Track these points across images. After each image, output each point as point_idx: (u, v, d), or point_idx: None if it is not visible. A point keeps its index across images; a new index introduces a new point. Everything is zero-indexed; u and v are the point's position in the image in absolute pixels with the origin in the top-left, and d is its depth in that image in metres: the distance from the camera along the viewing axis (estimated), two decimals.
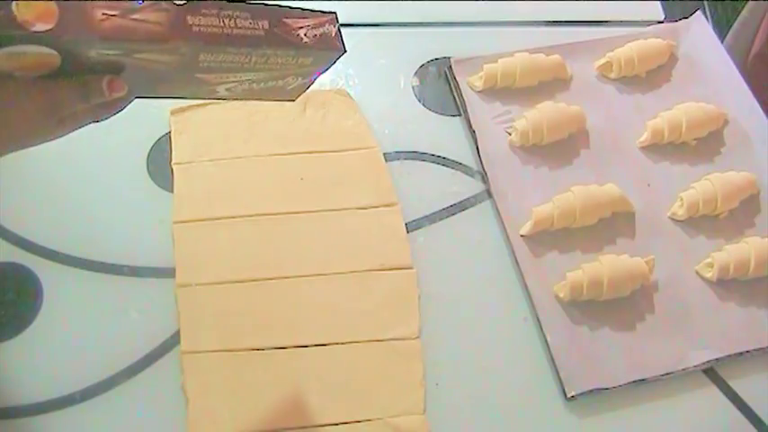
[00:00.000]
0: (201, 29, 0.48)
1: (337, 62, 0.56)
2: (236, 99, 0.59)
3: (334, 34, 0.54)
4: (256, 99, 0.60)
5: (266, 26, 0.50)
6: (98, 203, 0.78)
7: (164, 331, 0.70)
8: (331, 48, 0.54)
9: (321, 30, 0.53)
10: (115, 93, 0.51)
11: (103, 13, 0.44)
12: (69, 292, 0.72)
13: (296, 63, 0.54)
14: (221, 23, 0.48)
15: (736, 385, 0.71)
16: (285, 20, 0.51)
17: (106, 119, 0.54)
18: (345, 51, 0.54)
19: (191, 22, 0.47)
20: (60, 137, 0.53)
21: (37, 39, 0.44)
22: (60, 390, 0.67)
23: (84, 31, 0.44)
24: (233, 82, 0.55)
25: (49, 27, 0.43)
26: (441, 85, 0.89)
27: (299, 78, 0.58)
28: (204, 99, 0.59)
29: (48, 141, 0.53)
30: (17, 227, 0.75)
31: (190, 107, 0.83)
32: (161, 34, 0.46)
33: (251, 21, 0.50)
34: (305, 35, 0.52)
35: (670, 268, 0.77)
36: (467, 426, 0.68)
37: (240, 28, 0.49)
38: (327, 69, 0.57)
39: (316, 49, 0.53)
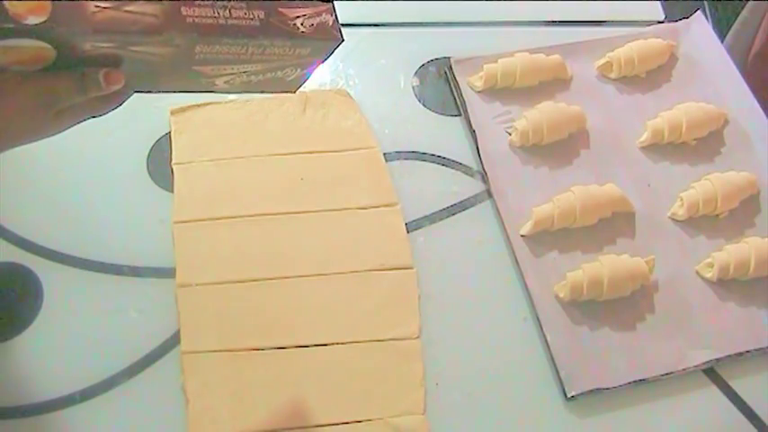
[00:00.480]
0: (196, 20, 0.47)
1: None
2: (236, 92, 0.59)
3: (331, 23, 0.53)
4: (256, 91, 0.60)
5: (262, 16, 0.50)
6: (98, 203, 0.78)
7: (164, 331, 0.70)
8: (329, 37, 0.53)
9: (318, 19, 0.52)
10: (112, 85, 0.50)
11: (96, 6, 0.44)
12: (69, 292, 0.72)
13: (293, 53, 0.54)
14: (216, 14, 0.48)
15: (736, 385, 0.71)
16: (281, 9, 0.51)
17: (104, 114, 0.54)
18: (343, 40, 0.54)
19: (185, 14, 0.47)
20: (58, 132, 0.53)
21: (31, 32, 0.44)
22: (60, 390, 0.67)
23: (78, 23, 0.44)
24: (231, 74, 0.55)
25: (41, 20, 0.43)
26: (441, 85, 0.89)
27: (298, 69, 0.57)
28: (203, 92, 0.58)
29: (46, 137, 0.52)
30: (17, 227, 0.75)
31: (190, 107, 0.83)
32: (155, 26, 0.46)
33: (246, 11, 0.49)
34: (302, 25, 0.52)
35: (670, 268, 0.77)
36: (467, 426, 0.68)
37: (235, 18, 0.49)
38: (326, 59, 0.56)
39: (313, 38, 0.52)
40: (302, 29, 0.52)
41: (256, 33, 0.50)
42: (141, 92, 0.55)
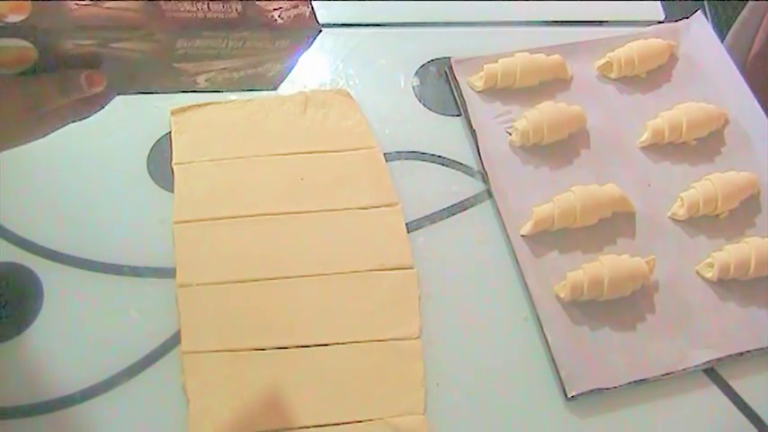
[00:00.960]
0: (176, 14, 0.48)
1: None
2: (217, 90, 0.59)
3: (308, 14, 0.54)
4: (237, 89, 0.60)
5: (239, 9, 0.51)
6: (98, 203, 0.78)
7: (164, 331, 0.70)
8: (306, 27, 0.54)
9: (295, 11, 0.53)
10: (94, 87, 0.50)
11: (77, 3, 0.45)
12: (70, 292, 0.72)
13: (273, 46, 0.54)
14: (194, 8, 0.49)
15: (737, 385, 0.71)
16: (258, 3, 0.52)
17: (88, 117, 0.53)
18: (321, 30, 0.55)
19: (164, 8, 0.48)
20: (41, 137, 0.52)
21: (12, 30, 0.44)
22: (60, 390, 0.67)
23: (59, 19, 0.45)
24: (212, 71, 0.56)
25: (23, 17, 0.44)
26: (441, 85, 0.89)
27: (279, 63, 0.58)
28: (185, 92, 0.58)
29: (28, 142, 0.52)
30: (17, 227, 0.75)
31: (190, 107, 0.83)
32: (135, 21, 0.47)
33: (223, 5, 0.50)
34: (279, 17, 0.52)
35: (670, 268, 0.77)
36: (467, 426, 0.68)
37: (213, 12, 0.50)
38: (305, 51, 0.57)
39: (291, 29, 0.53)
40: (280, 20, 0.52)
41: (235, 25, 0.51)
42: (124, 94, 0.55)
